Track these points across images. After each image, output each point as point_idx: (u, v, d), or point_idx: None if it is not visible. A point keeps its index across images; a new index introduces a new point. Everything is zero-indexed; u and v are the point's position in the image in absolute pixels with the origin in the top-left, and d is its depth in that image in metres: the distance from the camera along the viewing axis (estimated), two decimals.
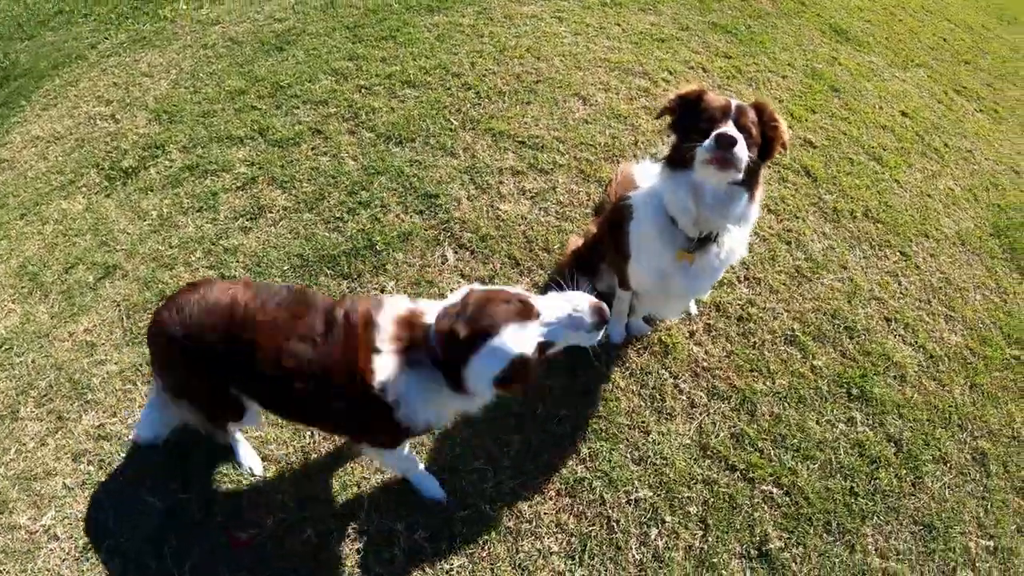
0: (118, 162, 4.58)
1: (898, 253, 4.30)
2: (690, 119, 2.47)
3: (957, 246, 4.52)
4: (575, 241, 3.55)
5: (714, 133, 2.28)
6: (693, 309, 3.62)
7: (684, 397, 3.34)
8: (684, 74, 5.17)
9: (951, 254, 4.45)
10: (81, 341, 3.46)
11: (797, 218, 4.23)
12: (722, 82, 5.20)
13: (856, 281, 4.00)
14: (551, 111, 4.60)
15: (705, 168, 2.36)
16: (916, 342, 3.82)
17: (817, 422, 3.36)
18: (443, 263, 3.69)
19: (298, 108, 4.71)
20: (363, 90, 4.79)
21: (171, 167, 4.45)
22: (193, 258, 3.83)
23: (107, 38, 6.35)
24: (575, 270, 3.32)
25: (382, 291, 3.54)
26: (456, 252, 3.74)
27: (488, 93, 4.70)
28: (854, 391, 3.50)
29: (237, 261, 3.76)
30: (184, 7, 6.52)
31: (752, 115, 2.42)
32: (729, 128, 2.30)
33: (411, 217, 3.89)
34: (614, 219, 2.98)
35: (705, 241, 2.62)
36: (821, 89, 5.47)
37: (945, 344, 3.88)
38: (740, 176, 2.35)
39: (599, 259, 3.29)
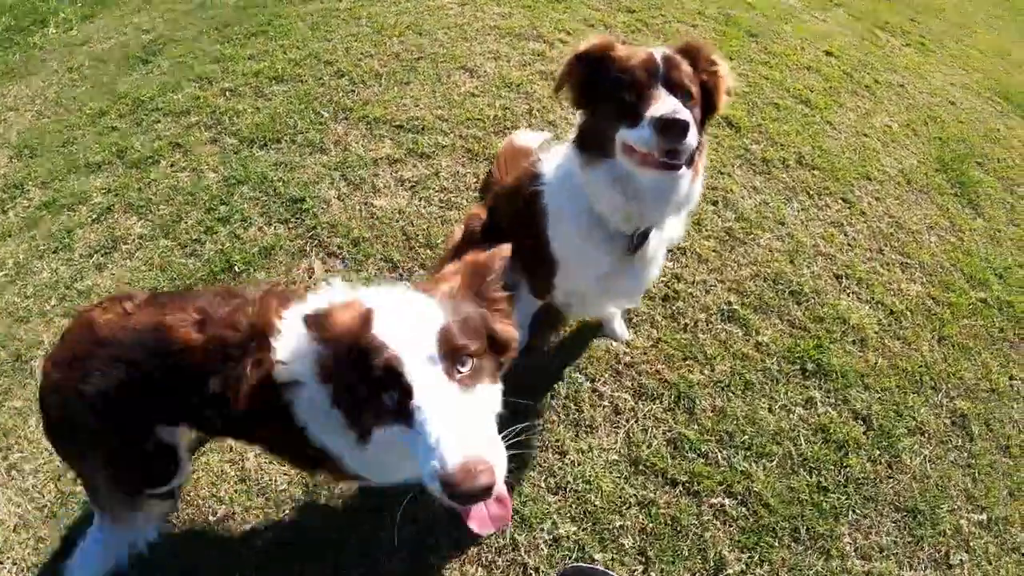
0: None
1: (840, 200, 3.83)
2: (600, 85, 1.86)
3: (903, 186, 4.07)
4: (457, 233, 2.85)
5: (650, 115, 1.67)
6: (637, 303, 2.97)
7: (605, 403, 2.81)
8: (583, 33, 4.67)
9: (897, 195, 3.99)
10: None
11: (722, 174, 3.74)
12: (627, 38, 4.70)
13: (797, 237, 3.51)
14: (433, 88, 4.09)
15: (634, 162, 1.79)
16: (872, 298, 3.33)
17: (770, 410, 2.84)
18: (310, 277, 3.12)
19: (159, 122, 4.22)
20: (228, 93, 4.28)
21: (28, 207, 4.00)
22: (48, 307, 3.37)
23: None
24: None
25: None
26: (325, 262, 3.21)
27: (363, 78, 4.19)
28: (809, 366, 2.99)
29: (91, 304, 3.16)
30: (54, 31, 6.04)
31: (686, 66, 1.82)
32: (668, 104, 1.68)
33: (274, 228, 3.37)
34: (521, 215, 2.31)
35: (644, 236, 2.07)
36: (737, 35, 5.02)
37: (905, 296, 3.41)
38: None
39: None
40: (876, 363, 3.05)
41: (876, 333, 3.19)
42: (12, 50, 6.03)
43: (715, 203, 3.58)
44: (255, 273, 3.19)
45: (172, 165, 3.91)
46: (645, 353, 2.93)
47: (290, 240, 3.31)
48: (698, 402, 2.81)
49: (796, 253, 3.42)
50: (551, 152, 2.28)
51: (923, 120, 4.71)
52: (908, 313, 3.33)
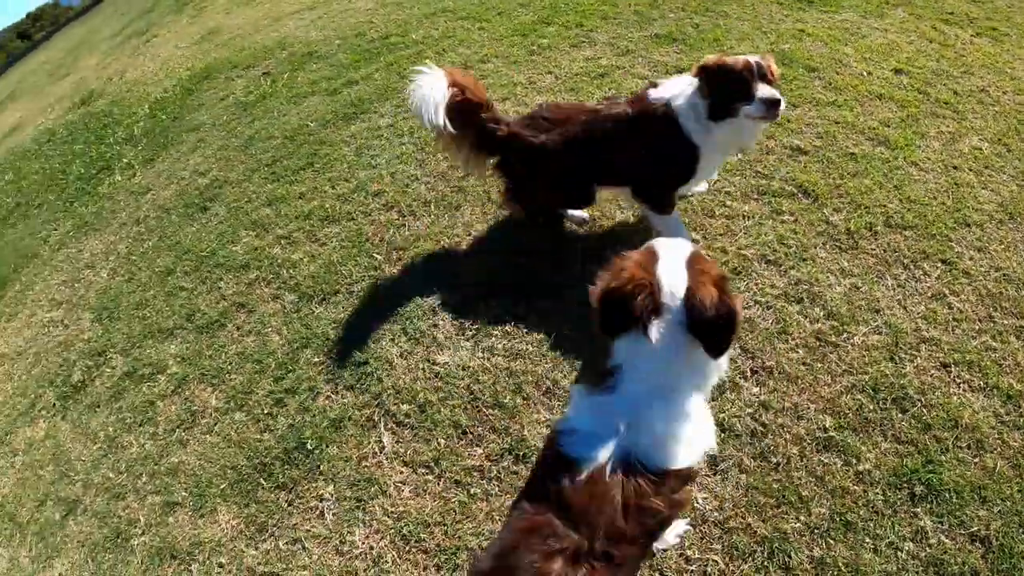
0: (68, 377, 4.29)
1: (939, 263, 3.36)
2: (720, 80, 2.93)
3: (1006, 224, 3.55)
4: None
5: (760, 97, 2.87)
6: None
7: (693, 568, 2.54)
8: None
9: (1001, 238, 3.48)
10: None
11: (804, 261, 3.40)
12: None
13: (895, 325, 3.10)
14: (484, 211, 3.99)
15: (751, 119, 2.96)
16: (986, 384, 2.87)
17: (875, 550, 2.47)
18: (380, 451, 3.03)
19: (221, 280, 4.27)
20: (283, 241, 4.29)
21: (113, 375, 4.11)
22: (140, 483, 3.41)
23: (56, 228, 6.31)
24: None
25: (320, 500, 2.92)
26: (394, 433, 3.10)
27: (412, 207, 4.10)
28: (918, 489, 2.59)
29: (179, 483, 3.30)
30: (119, 179, 6.28)
31: (769, 64, 2.95)
32: (768, 90, 2.89)
33: (341, 396, 3.29)
34: (654, 134, 3.18)
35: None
36: (796, 74, 4.67)
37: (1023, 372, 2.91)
38: None
39: None
40: (995, 467, 2.62)
41: (993, 428, 2.73)
42: (84, 200, 6.31)
43: (800, 301, 3.23)
44: (327, 449, 3.11)
45: (238, 328, 3.91)
46: (735, 505, 2.65)
47: (357, 409, 3.21)
48: (793, 555, 2.49)
49: (896, 346, 3.02)
50: (667, 87, 3.21)
51: (1014, 128, 4.20)
52: None
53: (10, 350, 4.99)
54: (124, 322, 4.46)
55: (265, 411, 3.41)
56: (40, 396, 4.32)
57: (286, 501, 3.03)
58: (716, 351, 1.78)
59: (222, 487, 3.20)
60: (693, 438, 1.81)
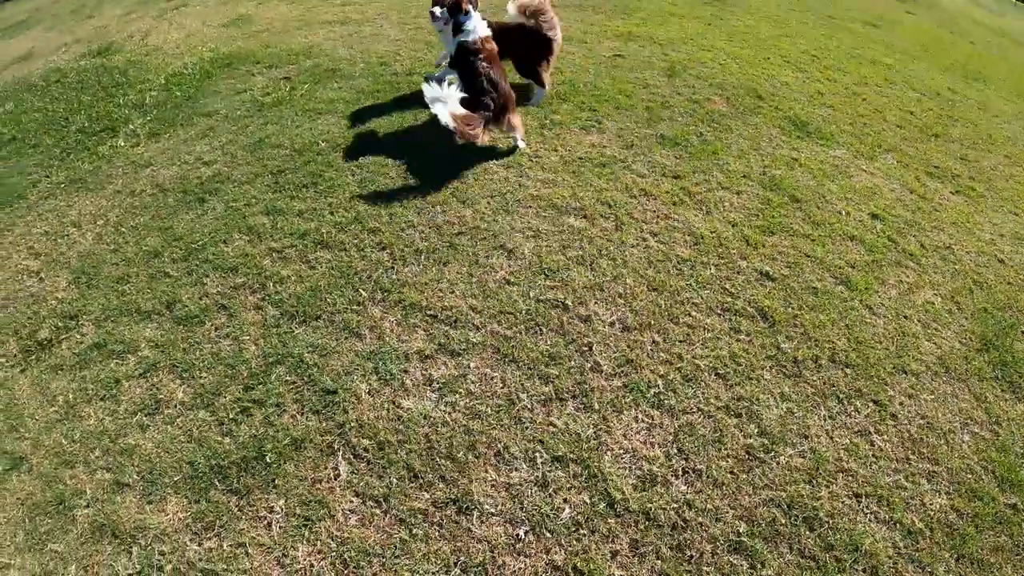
0: (35, 332, 4.32)
1: (871, 403, 3.73)
2: None
3: (940, 376, 3.95)
4: None
5: None
6: None
7: None
8: (625, 205, 4.76)
9: (933, 388, 3.87)
10: None
11: (750, 379, 3.73)
12: (668, 209, 4.77)
13: (819, 452, 3.46)
14: (470, 272, 4.20)
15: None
16: (891, 518, 3.25)
17: None
18: (335, 477, 3.24)
19: (208, 276, 4.39)
20: (275, 254, 4.45)
21: (82, 343, 4.17)
22: (92, 456, 3.49)
23: (48, 176, 6.26)
24: None
25: (270, 511, 3.11)
26: (351, 464, 3.31)
27: (403, 253, 4.32)
28: None
29: (132, 466, 3.40)
30: (122, 144, 6.35)
31: None
32: None
33: (306, 419, 3.48)
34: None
35: None
36: (781, 202, 5.03)
37: (927, 511, 3.30)
38: None
39: None
40: None
41: (890, 557, 3.09)
42: (82, 156, 6.32)
43: (739, 415, 3.55)
44: (284, 466, 3.28)
45: (216, 329, 4.04)
46: None
47: (320, 434, 3.40)
48: None
49: (816, 472, 3.37)
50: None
51: (968, 288, 4.59)
52: (927, 531, 3.21)
53: None
54: (102, 292, 4.54)
55: (230, 416, 3.56)
56: (2, 343, 4.34)
57: (236, 506, 3.19)
58: None
59: (175, 479, 3.32)
60: None
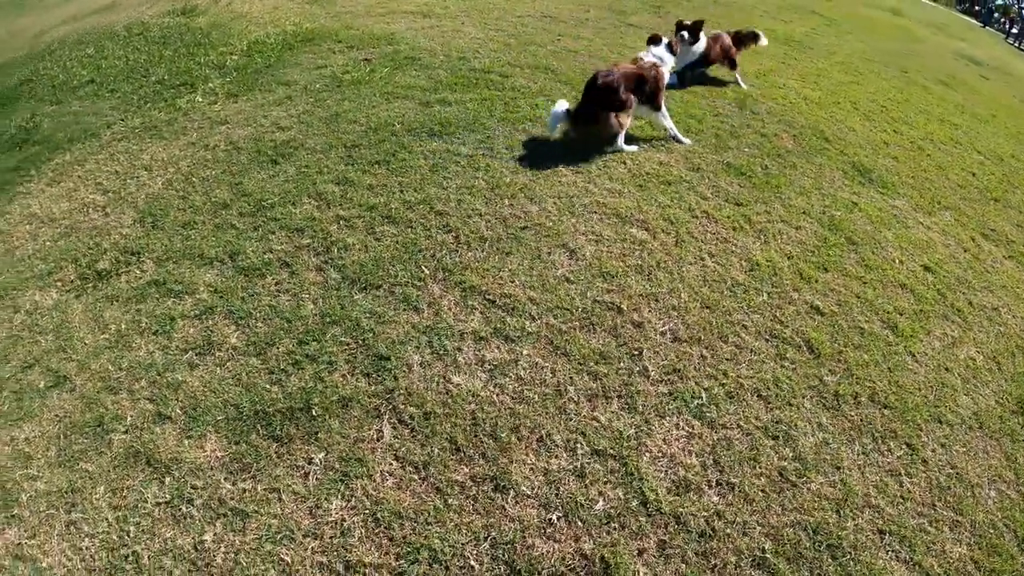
0: (95, 262, 4.49)
1: (904, 446, 3.73)
2: None
3: (974, 431, 3.94)
4: None
5: None
6: None
7: None
8: (687, 223, 4.82)
9: (966, 441, 3.86)
10: (19, 450, 3.28)
11: (790, 405, 3.75)
12: (728, 233, 4.82)
13: (849, 485, 3.46)
14: (531, 265, 4.27)
15: None
16: (912, 559, 3.24)
17: None
18: (378, 439, 3.30)
19: (274, 233, 4.50)
20: (342, 221, 4.56)
21: (140, 278, 4.31)
22: (137, 386, 3.58)
23: (123, 120, 6.47)
24: None
25: (309, 462, 3.17)
26: (395, 429, 3.37)
27: (468, 238, 4.41)
28: None
29: (177, 400, 3.49)
30: (200, 100, 6.52)
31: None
32: None
33: (356, 380, 3.56)
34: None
35: None
36: (837, 242, 5.06)
37: (947, 558, 3.28)
38: None
39: None
40: None
41: None
42: (159, 106, 6.51)
43: (776, 438, 3.58)
44: (329, 421, 3.36)
45: (277, 284, 4.15)
46: None
47: (368, 396, 3.48)
48: None
49: (844, 502, 3.37)
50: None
51: (1011, 351, 4.58)
52: None
53: (42, 213, 5.20)
54: (166, 234, 4.68)
55: (281, 367, 3.65)
56: (61, 267, 4.51)
57: (276, 452, 3.26)
58: None
59: (218, 418, 3.41)
60: None
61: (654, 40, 5.77)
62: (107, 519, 2.95)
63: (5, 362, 3.77)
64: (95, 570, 2.76)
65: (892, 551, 3.24)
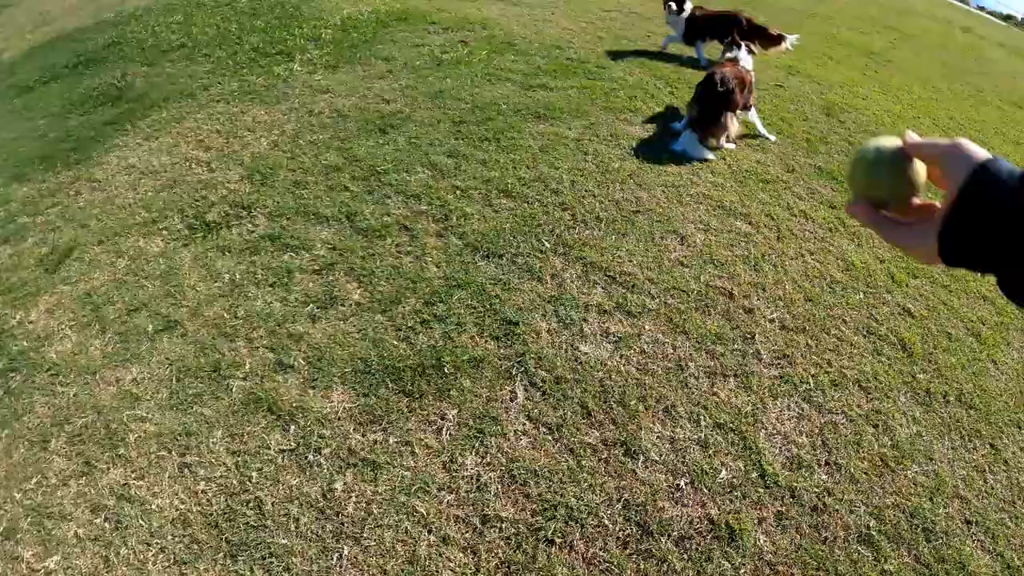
0: (203, 213, 4.60)
1: (988, 445, 3.87)
2: None
3: None
4: None
5: None
6: None
7: None
8: (786, 221, 4.94)
9: None
10: (126, 391, 3.31)
11: (887, 397, 3.90)
12: (824, 233, 4.94)
13: (941, 475, 3.61)
14: (647, 247, 4.41)
15: None
16: (995, 549, 3.37)
17: None
18: (511, 400, 3.44)
19: (390, 198, 4.63)
20: (458, 191, 4.70)
21: (253, 232, 4.43)
22: (255, 335, 3.67)
23: (220, 83, 6.58)
24: None
25: (442, 418, 3.30)
26: (527, 391, 3.51)
27: (584, 217, 4.55)
28: None
29: (299, 351, 3.58)
30: (299, 69, 6.66)
31: None
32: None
33: (486, 342, 3.70)
34: None
35: None
36: None
37: None
38: None
39: None
40: None
41: None
42: (256, 71, 6.67)
43: (876, 426, 3.72)
44: (462, 379, 3.50)
45: (397, 246, 4.28)
46: (787, 556, 3.09)
47: (499, 358, 3.62)
48: None
49: (937, 491, 3.52)
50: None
51: None
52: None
53: (141, 165, 5.32)
54: (277, 191, 4.80)
55: (409, 325, 3.79)
56: (165, 216, 4.61)
57: (407, 407, 3.38)
58: None
59: (344, 370, 3.51)
60: None
61: (733, 43, 6.17)
62: (225, 463, 2.96)
63: (109, 304, 3.82)
64: (212, 514, 2.77)
65: (977, 540, 3.38)
